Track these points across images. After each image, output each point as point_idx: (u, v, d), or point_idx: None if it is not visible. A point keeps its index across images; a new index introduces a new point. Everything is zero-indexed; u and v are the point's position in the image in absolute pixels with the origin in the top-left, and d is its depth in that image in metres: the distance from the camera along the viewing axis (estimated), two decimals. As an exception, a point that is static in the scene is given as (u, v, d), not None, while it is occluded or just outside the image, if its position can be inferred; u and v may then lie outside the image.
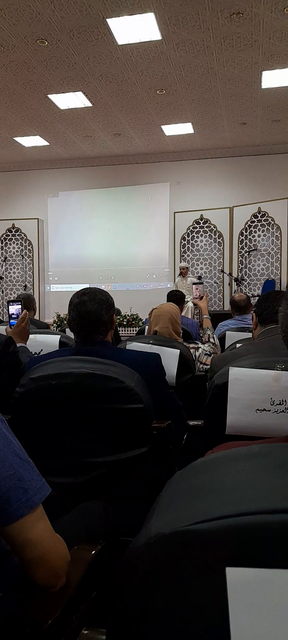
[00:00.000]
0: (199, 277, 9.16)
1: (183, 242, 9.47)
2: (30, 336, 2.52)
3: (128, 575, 0.43)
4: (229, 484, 0.43)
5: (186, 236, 9.45)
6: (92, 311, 1.58)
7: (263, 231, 8.83)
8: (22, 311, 2.16)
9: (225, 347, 2.82)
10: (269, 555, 0.37)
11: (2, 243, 10.29)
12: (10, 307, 2.22)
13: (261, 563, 0.37)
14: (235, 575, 0.36)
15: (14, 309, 2.21)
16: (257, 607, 0.35)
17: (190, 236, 9.46)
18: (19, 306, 2.21)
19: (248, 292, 8.51)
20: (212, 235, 9.32)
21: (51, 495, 0.84)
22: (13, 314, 2.20)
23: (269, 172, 9.12)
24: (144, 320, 7.45)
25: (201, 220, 9.34)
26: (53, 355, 1.63)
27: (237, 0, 4.76)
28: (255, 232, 8.90)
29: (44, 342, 2.63)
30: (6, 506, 0.77)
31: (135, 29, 5.25)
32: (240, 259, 9.03)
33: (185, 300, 8.18)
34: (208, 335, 2.63)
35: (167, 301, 3.39)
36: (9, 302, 2.23)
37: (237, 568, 0.37)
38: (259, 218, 8.82)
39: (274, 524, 0.38)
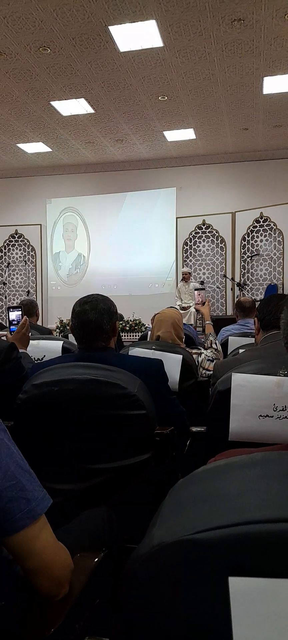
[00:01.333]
0: (201, 282, 9.16)
1: (186, 248, 9.48)
2: (33, 342, 2.52)
3: (130, 584, 0.43)
4: (232, 492, 0.43)
5: (188, 241, 9.46)
6: (93, 320, 1.58)
7: (265, 236, 8.83)
8: (22, 317, 2.16)
9: (228, 352, 2.81)
10: (272, 564, 0.37)
11: (5, 249, 10.33)
12: (10, 313, 2.22)
13: (264, 572, 0.36)
14: (238, 585, 0.36)
15: (15, 315, 2.21)
16: (260, 616, 0.35)
17: (193, 241, 9.47)
18: (20, 312, 2.21)
19: (251, 298, 8.49)
20: (215, 240, 9.33)
21: (54, 502, 0.84)
22: (13, 320, 2.20)
23: (271, 178, 9.13)
24: (146, 325, 7.45)
25: (203, 225, 9.35)
26: (56, 361, 1.63)
27: (238, 7, 4.79)
28: (258, 237, 8.90)
29: (46, 348, 2.63)
30: (8, 516, 0.76)
31: (136, 36, 5.28)
32: (243, 264, 9.03)
33: (188, 305, 8.20)
34: (211, 340, 2.63)
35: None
36: (9, 309, 2.23)
37: (240, 577, 0.36)
38: (261, 223, 8.82)
39: (277, 532, 0.37)
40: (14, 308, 2.23)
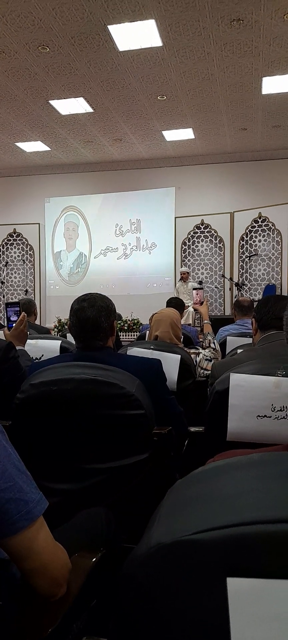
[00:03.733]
0: (200, 282, 9.17)
1: (184, 247, 9.48)
2: (31, 341, 2.52)
3: (128, 585, 0.43)
4: (230, 493, 0.43)
5: (187, 241, 9.46)
6: (90, 317, 1.58)
7: (263, 236, 8.84)
8: (20, 314, 2.16)
9: (226, 352, 2.81)
10: (271, 565, 0.37)
11: (3, 248, 10.31)
12: (8, 309, 2.21)
13: (263, 573, 0.36)
14: (236, 586, 0.36)
15: (13, 311, 2.20)
16: (259, 617, 0.35)
17: (191, 241, 9.47)
18: (17, 309, 2.20)
19: (249, 298, 8.50)
20: (213, 240, 9.33)
21: (52, 502, 0.84)
22: (11, 316, 2.20)
23: (270, 178, 9.14)
24: (143, 325, 7.45)
25: (202, 225, 9.36)
26: (54, 360, 1.63)
27: (238, 7, 4.79)
28: (256, 237, 8.91)
29: (44, 347, 2.63)
30: (6, 517, 0.76)
31: (136, 35, 5.28)
32: (241, 264, 9.04)
33: (186, 305, 8.21)
34: (209, 340, 2.63)
35: (166, 307, 3.39)
36: (7, 305, 2.22)
37: (238, 578, 0.36)
38: (260, 223, 8.83)
39: (276, 533, 0.37)
40: (12, 304, 2.22)
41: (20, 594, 0.84)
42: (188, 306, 8.12)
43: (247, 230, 8.94)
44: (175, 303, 3.88)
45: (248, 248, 8.98)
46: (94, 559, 0.94)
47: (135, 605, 0.42)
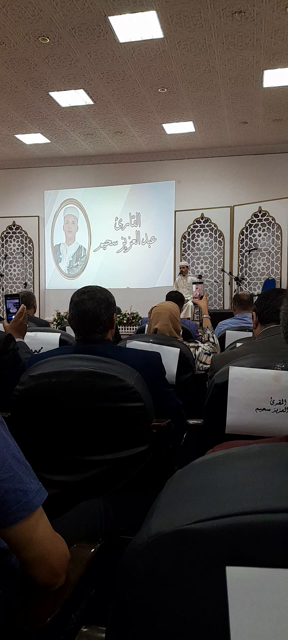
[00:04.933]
0: (199, 276, 9.16)
1: (184, 241, 9.47)
2: (31, 334, 2.52)
3: (127, 574, 0.43)
4: (229, 483, 0.43)
5: (187, 235, 9.45)
6: (90, 310, 1.58)
7: (263, 230, 8.82)
8: (19, 306, 2.15)
9: (225, 346, 2.82)
10: (270, 554, 0.37)
11: (2, 240, 10.29)
12: (8, 301, 2.21)
13: (261, 562, 0.36)
14: (235, 575, 0.36)
15: (12, 303, 2.20)
16: (257, 606, 0.35)
17: (191, 235, 9.45)
18: (17, 301, 2.20)
19: (249, 292, 8.50)
20: (213, 234, 9.32)
21: (51, 493, 0.84)
22: (10, 308, 2.19)
23: (270, 172, 9.11)
24: (142, 318, 7.45)
25: (202, 219, 9.34)
26: (53, 353, 1.63)
27: (239, -1, 4.76)
28: (256, 231, 8.90)
29: (44, 339, 2.63)
30: (5, 508, 0.76)
31: (137, 27, 5.24)
32: (241, 258, 9.03)
33: (186, 299, 8.21)
34: (208, 334, 2.63)
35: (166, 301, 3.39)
36: (7, 297, 2.22)
37: (237, 567, 0.37)
38: (260, 217, 8.81)
39: (275, 523, 0.38)
40: (12, 296, 2.21)
41: (20, 584, 0.84)
42: (188, 300, 8.12)
43: (246, 225, 8.93)
44: (175, 297, 3.88)
45: (248, 242, 8.97)
46: (93, 550, 0.95)
47: (134, 595, 0.42)
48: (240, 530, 0.38)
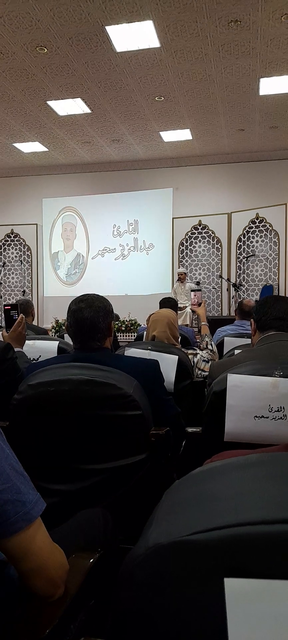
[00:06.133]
0: (197, 283, 9.17)
1: (182, 248, 9.49)
2: (29, 342, 2.52)
3: (126, 585, 0.43)
4: (227, 493, 0.43)
5: (184, 242, 9.47)
6: (88, 318, 1.58)
7: (261, 237, 8.86)
8: (18, 315, 2.15)
9: (224, 353, 2.82)
10: (268, 565, 0.37)
11: (0, 248, 10.29)
12: (6, 311, 2.20)
13: (260, 574, 0.36)
14: (233, 586, 0.36)
15: (10, 313, 2.19)
16: (256, 618, 0.35)
17: (189, 242, 9.48)
18: (15, 311, 2.19)
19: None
20: (211, 241, 9.34)
21: (50, 502, 0.84)
22: (9, 318, 2.19)
23: (267, 179, 9.15)
24: (140, 325, 7.45)
25: (199, 226, 9.37)
26: (51, 361, 1.62)
27: (235, 8, 4.80)
28: (253, 237, 8.93)
29: (42, 348, 2.62)
30: (4, 519, 0.76)
31: (133, 36, 5.28)
32: (238, 264, 9.05)
33: (184, 305, 8.22)
34: (207, 342, 2.63)
35: (160, 308, 3.39)
36: (5, 307, 2.21)
37: (236, 579, 0.37)
38: (257, 224, 8.85)
39: (273, 534, 0.38)
40: (10, 306, 2.21)
41: (18, 595, 0.84)
42: (186, 307, 8.13)
43: (244, 231, 8.96)
44: (169, 303, 3.87)
45: (246, 249, 8.99)
46: (92, 560, 0.94)
47: (133, 605, 0.42)
48: (239, 542, 0.38)
